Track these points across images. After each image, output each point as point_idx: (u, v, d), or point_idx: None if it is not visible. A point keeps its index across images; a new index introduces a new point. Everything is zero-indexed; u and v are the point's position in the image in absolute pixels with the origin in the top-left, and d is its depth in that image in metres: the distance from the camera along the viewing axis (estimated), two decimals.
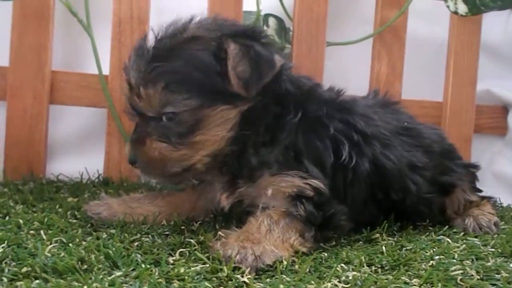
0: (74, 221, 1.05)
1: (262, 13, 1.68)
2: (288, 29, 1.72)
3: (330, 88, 1.14)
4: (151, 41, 0.98)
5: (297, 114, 1.01)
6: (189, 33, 0.97)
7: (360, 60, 1.77)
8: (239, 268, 0.78)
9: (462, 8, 1.71)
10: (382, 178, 1.08)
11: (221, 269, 0.77)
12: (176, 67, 0.93)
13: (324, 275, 0.80)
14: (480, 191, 1.32)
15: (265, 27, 1.67)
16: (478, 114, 1.81)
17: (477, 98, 1.80)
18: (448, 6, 1.72)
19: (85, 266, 0.74)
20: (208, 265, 0.78)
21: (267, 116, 1.00)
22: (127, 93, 0.99)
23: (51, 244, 0.84)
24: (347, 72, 1.78)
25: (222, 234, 0.92)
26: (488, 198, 1.32)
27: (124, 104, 1.03)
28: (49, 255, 0.76)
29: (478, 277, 0.82)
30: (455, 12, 1.72)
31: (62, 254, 0.78)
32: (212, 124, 0.96)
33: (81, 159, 1.60)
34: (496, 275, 0.84)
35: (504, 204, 1.59)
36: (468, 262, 0.90)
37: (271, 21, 1.69)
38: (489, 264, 0.89)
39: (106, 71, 1.58)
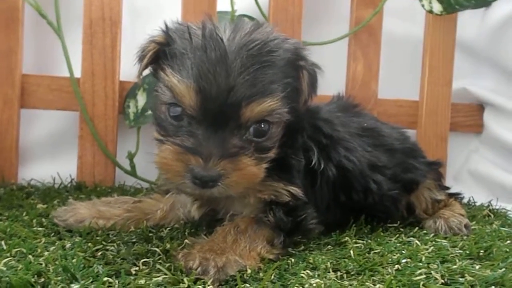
0: (40, 229, 1.03)
1: (237, 13, 1.67)
2: None
3: None
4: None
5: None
6: (274, 42, 0.91)
7: (337, 60, 1.76)
8: (201, 279, 0.77)
9: (437, 7, 1.72)
10: (344, 180, 1.09)
11: (182, 280, 0.76)
12: (277, 77, 0.88)
13: (288, 283, 0.80)
14: (447, 188, 1.33)
15: None
16: (454, 112, 1.82)
17: (453, 96, 1.80)
18: (423, 5, 1.72)
19: (42, 280, 0.73)
20: (169, 276, 0.77)
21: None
22: (211, 98, 0.84)
23: (10, 255, 0.83)
24: (323, 72, 1.77)
25: (189, 242, 0.91)
26: (456, 195, 1.32)
27: (191, 106, 0.85)
28: (4, 268, 0.75)
29: (443, 281, 0.82)
30: (430, 11, 1.73)
31: (20, 266, 0.76)
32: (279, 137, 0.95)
33: (54, 164, 1.59)
34: (460, 279, 0.84)
35: (478, 203, 1.59)
36: (434, 265, 0.90)
37: None
38: (455, 267, 0.89)
39: (77, 73, 1.55)
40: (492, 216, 1.41)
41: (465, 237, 1.13)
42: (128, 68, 1.56)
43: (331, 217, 1.09)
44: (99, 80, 1.56)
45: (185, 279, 0.75)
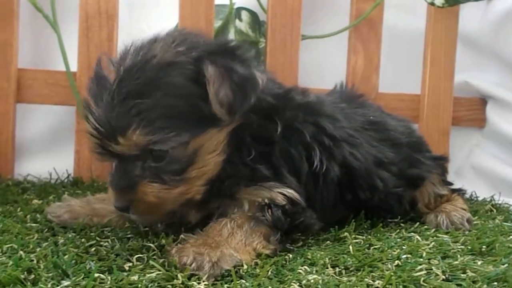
0: (33, 225, 1.01)
1: (236, 6, 1.64)
2: (262, 23, 1.69)
3: (293, 88, 1.09)
4: (109, 68, 0.89)
5: (280, 124, 0.96)
6: (162, 59, 0.86)
7: (336, 54, 1.74)
8: (196, 275, 0.75)
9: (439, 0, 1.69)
10: (350, 178, 1.06)
11: (176, 276, 0.74)
12: (156, 101, 0.83)
13: (285, 279, 0.78)
14: (451, 184, 1.31)
15: (237, 21, 1.64)
16: (456, 107, 1.80)
17: (455, 90, 1.78)
18: None
19: (32, 276, 0.71)
20: (163, 272, 0.75)
21: (253, 133, 0.95)
22: (96, 136, 0.86)
23: (1, 251, 0.81)
24: (323, 65, 1.75)
25: (185, 238, 0.89)
26: (459, 191, 1.30)
27: (92, 146, 0.89)
28: None
29: (444, 277, 0.80)
30: (432, 4, 1.70)
31: (10, 263, 0.75)
32: (205, 153, 0.89)
33: (50, 159, 1.57)
34: (462, 275, 0.82)
35: (481, 198, 1.57)
36: (435, 261, 0.88)
37: (244, 15, 1.65)
38: (456, 262, 0.87)
39: (74, 67, 1.54)
40: (495, 211, 1.38)
41: (466, 232, 1.11)
42: None
43: (337, 215, 1.08)
44: None
45: (179, 275, 0.73)
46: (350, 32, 1.71)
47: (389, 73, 1.75)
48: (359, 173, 1.07)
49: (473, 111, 1.87)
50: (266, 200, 0.93)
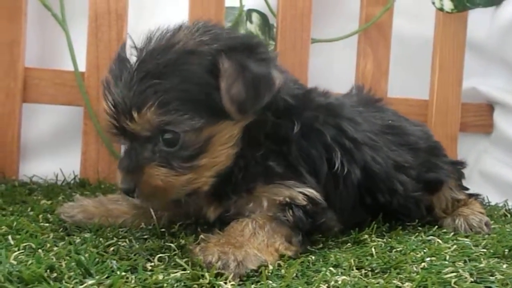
0: (46, 225, 0.99)
1: (245, 8, 1.63)
2: (272, 25, 1.68)
3: (314, 89, 1.09)
4: (131, 51, 0.90)
5: (297, 124, 0.95)
6: (183, 46, 0.87)
7: (346, 57, 1.74)
8: (222, 274, 0.73)
9: (448, 5, 1.70)
10: (370, 181, 1.05)
11: (202, 276, 0.71)
12: (173, 85, 0.84)
13: (312, 280, 0.76)
14: (467, 189, 1.30)
15: (248, 23, 1.63)
16: (464, 112, 1.79)
17: (462, 96, 1.78)
18: (433, 3, 1.71)
19: (55, 274, 0.69)
20: (188, 272, 0.73)
21: (268, 130, 0.94)
22: (112, 114, 0.87)
23: (18, 250, 0.78)
24: (332, 69, 1.75)
25: (204, 238, 0.87)
26: (476, 196, 1.29)
27: (107, 125, 0.91)
28: (15, 262, 0.70)
29: (472, 279, 0.79)
30: (441, 9, 1.71)
31: (30, 261, 0.72)
32: (217, 144, 0.89)
33: (56, 160, 1.54)
34: (491, 277, 0.80)
35: (492, 203, 1.56)
36: (460, 263, 0.87)
37: (255, 17, 1.64)
38: (482, 265, 0.85)
39: (82, 67, 1.51)
40: (509, 216, 1.38)
41: (486, 236, 1.10)
42: None
43: (355, 218, 1.06)
44: (104, 74, 1.50)
45: (206, 274, 0.71)
46: (359, 36, 1.71)
47: (397, 78, 1.74)
48: (379, 176, 1.06)
49: (480, 117, 1.87)
50: (287, 199, 0.92)
